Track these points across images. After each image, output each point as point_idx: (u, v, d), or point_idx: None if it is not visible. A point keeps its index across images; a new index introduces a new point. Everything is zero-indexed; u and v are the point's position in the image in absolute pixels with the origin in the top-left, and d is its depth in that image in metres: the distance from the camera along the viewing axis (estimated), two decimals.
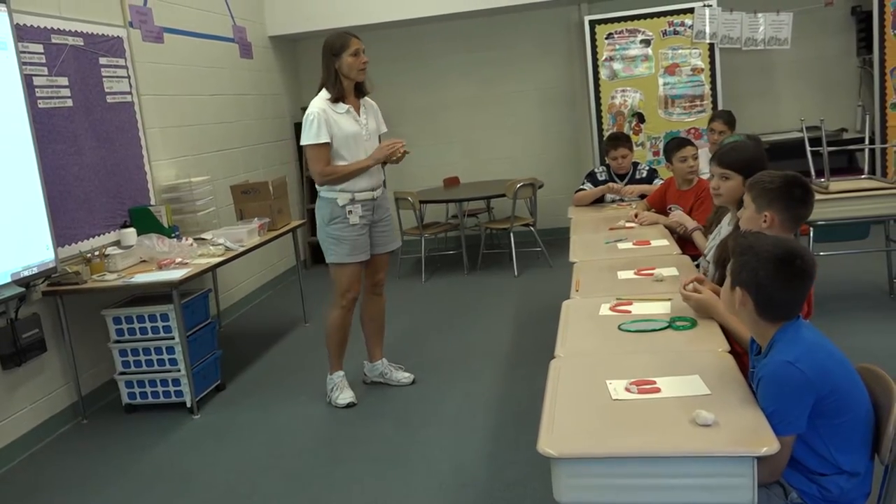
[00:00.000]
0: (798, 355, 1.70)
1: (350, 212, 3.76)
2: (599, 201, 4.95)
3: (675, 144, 4.20)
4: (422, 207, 6.74)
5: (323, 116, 3.66)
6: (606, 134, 6.40)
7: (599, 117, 6.80)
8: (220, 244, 4.47)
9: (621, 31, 6.69)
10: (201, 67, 5.85)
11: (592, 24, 6.72)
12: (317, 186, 3.82)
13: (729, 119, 5.19)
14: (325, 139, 3.66)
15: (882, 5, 6.32)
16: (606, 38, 6.71)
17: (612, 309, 2.56)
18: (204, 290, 4.36)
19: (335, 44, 3.69)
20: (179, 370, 4.01)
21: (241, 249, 4.54)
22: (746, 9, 6.58)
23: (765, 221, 2.29)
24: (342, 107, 3.72)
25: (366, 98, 3.86)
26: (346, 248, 3.78)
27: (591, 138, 6.91)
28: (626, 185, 4.88)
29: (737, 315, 1.92)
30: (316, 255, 7.77)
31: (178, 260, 4.16)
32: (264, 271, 6.62)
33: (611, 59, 6.73)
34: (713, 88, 6.60)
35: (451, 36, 7.50)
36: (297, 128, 7.53)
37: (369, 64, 3.78)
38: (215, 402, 4.21)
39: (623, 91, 6.77)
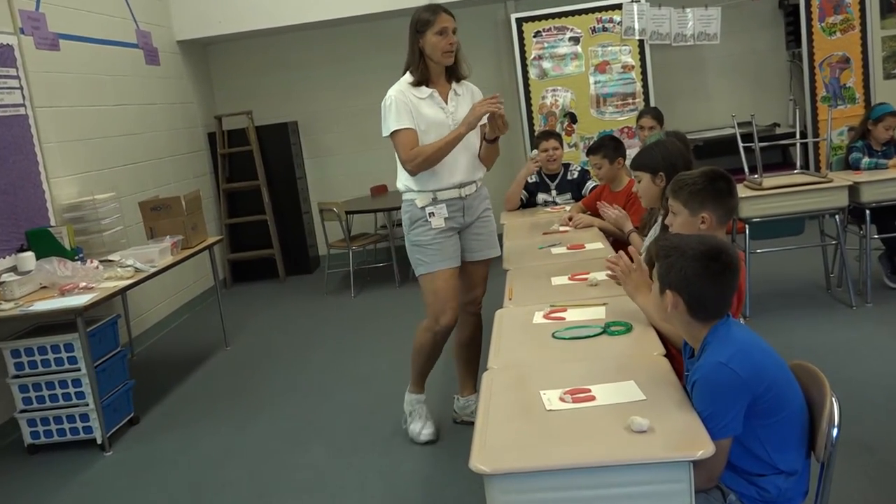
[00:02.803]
0: (731, 355, 1.76)
1: (431, 214, 3.37)
2: (532, 205, 5.02)
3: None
4: (348, 218, 6.71)
5: (401, 99, 3.29)
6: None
7: (530, 118, 6.91)
8: (129, 266, 4.37)
9: (549, 29, 6.82)
10: (103, 76, 5.71)
11: (519, 21, 6.83)
12: (399, 185, 3.45)
13: (657, 115, 5.34)
14: (407, 123, 3.27)
15: None
16: (534, 37, 6.83)
17: (545, 317, 2.59)
18: (112, 317, 4.25)
19: (420, 19, 3.31)
20: (87, 404, 3.89)
21: (153, 270, 4.45)
22: (675, 4, 6.79)
23: (703, 223, 2.37)
24: (424, 91, 3.34)
25: (464, 82, 3.46)
26: (431, 255, 3.38)
27: (523, 140, 7.01)
28: (556, 185, 4.96)
29: (668, 321, 1.98)
30: (237, 273, 7.67)
31: (83, 284, 4.05)
32: (179, 293, 6.49)
33: (540, 57, 6.85)
34: (645, 86, 6.79)
35: (373, 37, 7.51)
36: (211, 137, 7.46)
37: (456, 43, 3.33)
38: (129, 437, 4.10)
39: (554, 91, 6.90)
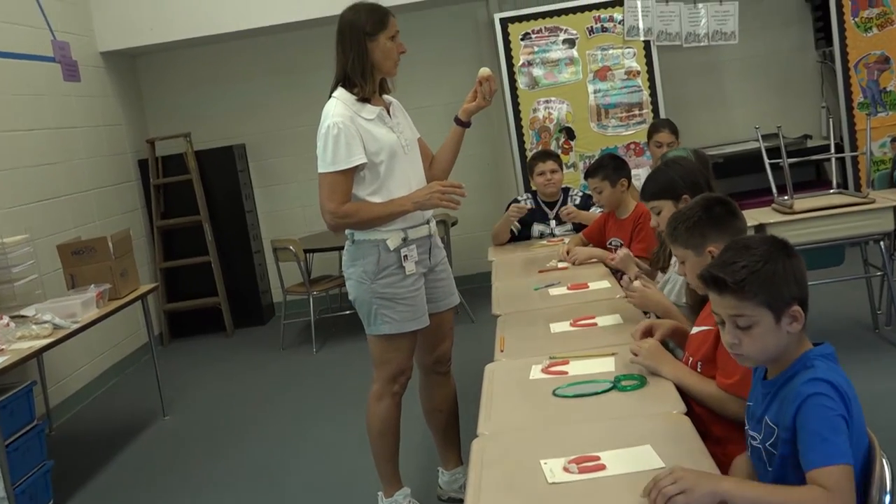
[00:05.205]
0: (845, 379, 1.81)
1: (405, 257, 3.33)
2: (526, 237, 5.05)
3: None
4: (307, 258, 6.72)
5: (352, 128, 3.23)
6: (530, 155, 6.56)
7: (520, 135, 6.98)
8: (46, 322, 4.34)
9: (539, 31, 6.92)
10: (11, 95, 5.72)
11: (504, 22, 6.92)
12: (331, 227, 3.38)
13: (674, 129, 5.41)
14: (358, 160, 3.23)
15: None
16: (522, 40, 6.93)
17: (544, 371, 2.61)
18: (27, 384, 4.21)
19: (369, 20, 3.27)
20: None
21: (75, 327, 4.43)
22: None
23: (713, 258, 2.40)
24: (370, 109, 3.30)
25: (391, 98, 3.48)
26: (403, 312, 3.33)
27: (513, 160, 7.08)
28: (556, 214, 5.00)
29: (777, 346, 1.89)
30: (175, 327, 7.63)
31: None
32: (107, 353, 6.44)
33: (529, 64, 6.94)
34: (653, 94, 6.88)
35: (330, 44, 7.52)
36: (142, 165, 7.47)
37: None
38: None
39: (547, 102, 6.98)
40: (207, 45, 7.63)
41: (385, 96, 3.46)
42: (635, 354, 2.49)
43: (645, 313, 3.14)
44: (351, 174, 3.27)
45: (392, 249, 3.31)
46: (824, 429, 1.73)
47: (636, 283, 2.96)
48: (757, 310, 1.85)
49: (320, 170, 3.28)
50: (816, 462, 1.71)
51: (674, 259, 3.06)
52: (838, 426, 1.73)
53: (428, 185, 3.40)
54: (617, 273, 3.90)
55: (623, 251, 3.78)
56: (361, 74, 3.29)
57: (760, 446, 1.90)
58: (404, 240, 3.34)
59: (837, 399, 1.76)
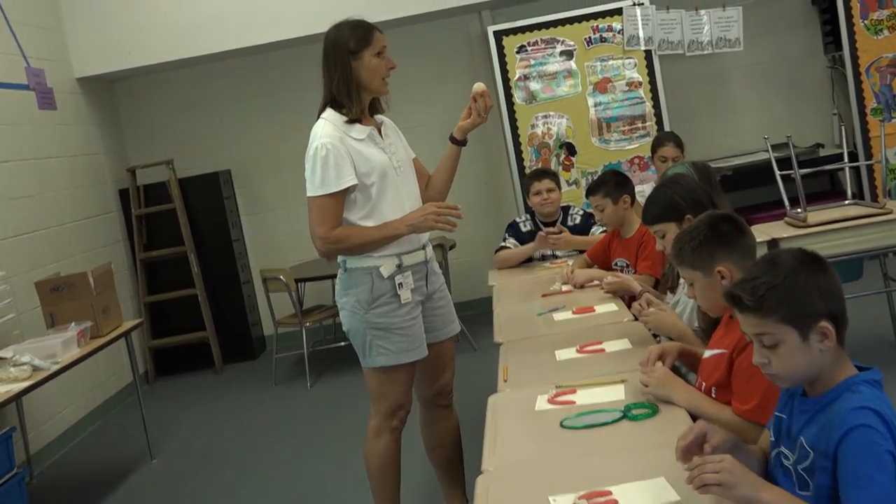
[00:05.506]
0: (892, 409, 1.77)
1: (400, 285, 3.33)
2: (527, 260, 5.06)
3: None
4: (299, 287, 6.72)
5: (342, 149, 3.23)
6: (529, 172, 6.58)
7: (519, 152, 6.99)
8: (25, 364, 4.33)
9: (535, 43, 6.96)
10: None
11: (498, 35, 6.96)
12: (322, 253, 3.41)
13: (679, 142, 5.43)
14: (348, 181, 3.23)
15: None
16: (518, 53, 6.96)
17: (551, 401, 2.60)
18: (6, 430, 4.23)
19: (353, 37, 3.29)
20: None
21: (56, 368, 4.41)
22: (686, 6, 6.95)
23: (723, 278, 2.41)
24: (360, 129, 3.31)
25: (381, 117, 3.50)
26: (399, 343, 3.32)
27: (511, 179, 7.10)
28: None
29: (809, 365, 1.88)
30: (161, 364, 7.62)
31: None
32: (91, 394, 6.42)
33: (526, 77, 6.97)
34: (656, 106, 6.91)
35: (318, 63, 7.57)
36: (123, 194, 7.48)
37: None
38: None
39: (545, 117, 7.00)
40: (189, 68, 7.66)
41: (377, 116, 3.47)
42: (646, 385, 2.49)
43: (654, 336, 3.14)
44: (341, 197, 3.27)
45: (386, 277, 3.31)
46: (870, 467, 1.69)
47: (651, 308, 2.99)
48: (779, 327, 1.84)
49: (309, 193, 3.29)
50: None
51: (682, 281, 3.06)
52: (886, 464, 1.69)
53: (422, 206, 3.41)
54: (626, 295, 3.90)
55: (610, 278, 3.79)
56: (348, 95, 3.30)
57: (791, 467, 1.88)
58: (399, 266, 3.33)
59: (886, 433, 1.72)
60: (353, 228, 3.31)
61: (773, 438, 1.97)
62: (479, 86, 3.49)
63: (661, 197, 3.15)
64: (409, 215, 3.34)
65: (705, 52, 7.02)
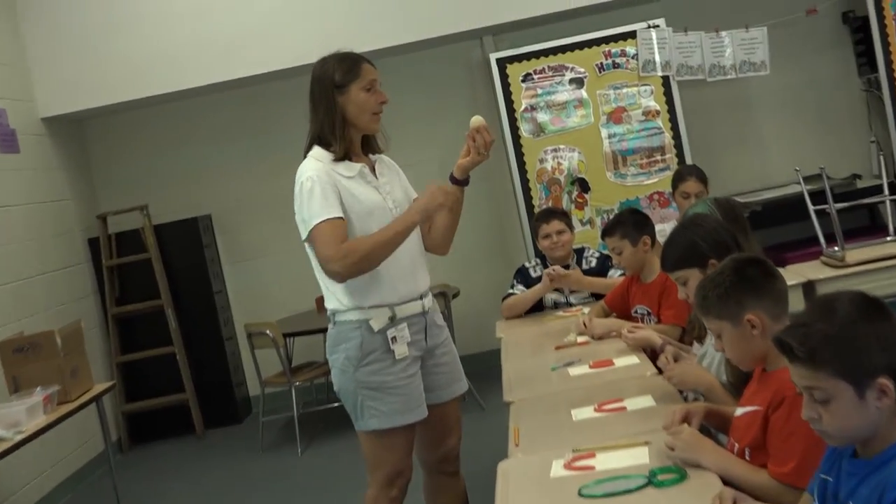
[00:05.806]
0: None
1: (394, 339, 3.32)
2: (538, 308, 5.04)
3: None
4: (288, 343, 6.70)
5: (325, 179, 3.25)
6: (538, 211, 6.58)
7: (527, 189, 7.00)
8: None
9: (542, 70, 6.99)
10: None
11: (502, 63, 7.00)
12: (332, 303, 3.38)
13: (702, 176, 5.44)
14: (335, 211, 3.22)
15: (880, 8, 6.82)
16: (523, 81, 6.99)
17: (567, 467, 2.58)
18: None
19: (338, 70, 3.33)
20: None
21: (20, 438, 4.41)
22: (706, 27, 7.00)
23: (754, 327, 2.41)
24: (351, 167, 3.34)
25: (380, 156, 3.53)
26: (393, 403, 3.30)
27: (520, 220, 7.09)
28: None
29: (863, 425, 1.87)
30: (136, 431, 7.58)
31: None
32: (58, 465, 6.39)
33: (533, 108, 7.00)
34: (676, 137, 6.92)
35: (302, 97, 7.56)
36: (93, 244, 7.49)
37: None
38: None
39: (555, 151, 7.02)
40: (164, 104, 7.68)
41: (372, 155, 3.48)
42: (672, 448, 2.47)
43: (680, 392, 3.12)
44: (342, 225, 3.24)
45: (377, 331, 3.31)
46: None
47: (675, 363, 2.99)
48: (832, 381, 1.82)
49: (308, 228, 3.25)
50: None
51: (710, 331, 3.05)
52: None
53: (426, 188, 3.37)
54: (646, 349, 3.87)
55: (633, 335, 3.75)
56: (332, 132, 3.33)
57: None
58: (391, 318, 3.32)
59: None
60: (361, 237, 3.26)
61: (817, 503, 1.95)
62: (477, 119, 3.49)
63: (680, 240, 3.14)
64: (417, 203, 3.36)
65: (728, 76, 7.05)
